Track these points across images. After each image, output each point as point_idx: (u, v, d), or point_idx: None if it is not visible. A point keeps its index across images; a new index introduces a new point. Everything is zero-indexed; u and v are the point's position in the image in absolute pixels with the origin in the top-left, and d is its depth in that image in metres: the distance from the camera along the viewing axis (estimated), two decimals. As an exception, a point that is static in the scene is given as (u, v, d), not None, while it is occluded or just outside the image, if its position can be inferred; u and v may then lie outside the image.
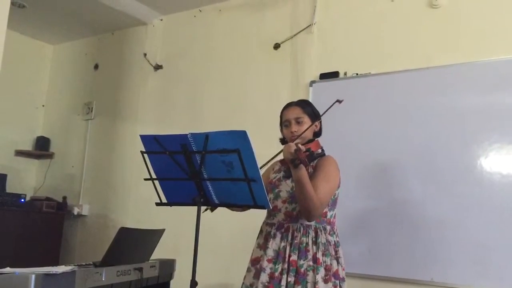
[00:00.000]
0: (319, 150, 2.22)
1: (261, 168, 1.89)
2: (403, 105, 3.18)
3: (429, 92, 3.11)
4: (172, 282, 3.11)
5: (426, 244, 2.94)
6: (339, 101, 2.17)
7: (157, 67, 4.58)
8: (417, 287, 2.94)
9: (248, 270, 2.24)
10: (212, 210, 2.19)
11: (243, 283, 2.25)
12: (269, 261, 2.13)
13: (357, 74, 3.41)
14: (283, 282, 2.05)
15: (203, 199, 1.93)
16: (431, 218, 2.95)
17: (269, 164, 2.23)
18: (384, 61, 3.33)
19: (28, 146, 5.22)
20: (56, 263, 4.28)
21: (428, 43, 3.19)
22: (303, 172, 1.99)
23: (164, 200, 2.06)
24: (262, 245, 2.21)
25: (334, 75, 3.50)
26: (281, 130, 2.35)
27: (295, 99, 2.41)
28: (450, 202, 2.92)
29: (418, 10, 3.28)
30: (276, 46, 3.86)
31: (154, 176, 2.01)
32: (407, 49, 3.26)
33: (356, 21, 3.53)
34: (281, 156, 2.16)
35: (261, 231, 2.28)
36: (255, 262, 2.21)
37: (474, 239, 2.81)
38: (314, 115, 2.28)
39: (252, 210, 2.19)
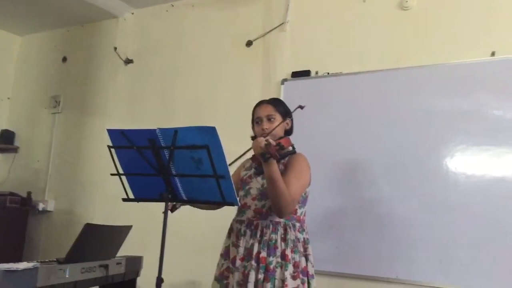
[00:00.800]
0: (290, 148, 2.23)
1: (230, 164, 1.88)
2: (373, 105, 3.22)
3: (398, 93, 3.16)
4: (138, 280, 3.07)
5: (392, 242, 2.99)
6: (301, 107, 2.17)
7: (128, 62, 4.51)
8: (382, 285, 2.99)
9: (221, 265, 2.23)
10: (172, 211, 2.16)
11: (216, 279, 2.25)
12: (241, 259, 2.13)
13: (328, 73, 3.43)
14: (251, 279, 2.05)
15: (171, 195, 1.90)
16: (398, 217, 3.00)
17: (239, 161, 2.22)
18: (355, 61, 3.36)
19: (-8, 139, 5.07)
20: (19, 259, 4.17)
21: (398, 44, 3.24)
22: (274, 167, 1.99)
23: (131, 196, 2.02)
24: (235, 244, 2.20)
25: (305, 73, 3.52)
26: (253, 128, 2.35)
27: (267, 97, 2.42)
28: (416, 202, 2.97)
29: (389, 12, 3.32)
30: (249, 43, 3.85)
31: (121, 171, 1.97)
32: (377, 50, 3.31)
33: (329, 20, 3.56)
34: (251, 153, 2.15)
35: (231, 228, 2.27)
36: (233, 261, 2.18)
37: (438, 237, 2.87)
38: (286, 113, 2.29)
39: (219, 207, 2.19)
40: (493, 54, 2.93)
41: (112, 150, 1.95)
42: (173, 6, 4.36)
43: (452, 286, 2.79)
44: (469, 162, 2.89)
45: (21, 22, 5.02)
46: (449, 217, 2.86)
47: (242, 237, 2.16)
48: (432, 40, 3.14)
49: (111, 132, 1.91)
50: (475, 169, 2.87)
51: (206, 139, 1.74)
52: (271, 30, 3.76)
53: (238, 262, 2.13)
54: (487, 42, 2.95)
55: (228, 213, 2.30)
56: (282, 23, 3.71)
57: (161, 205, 1.94)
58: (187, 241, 3.61)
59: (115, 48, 4.56)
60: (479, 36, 3.00)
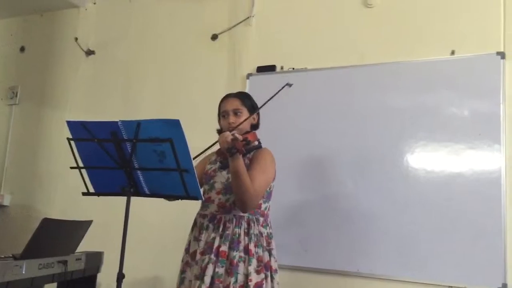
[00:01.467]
0: (256, 142, 2.23)
1: (194, 158, 1.86)
2: (337, 100, 3.25)
3: (362, 89, 3.20)
4: (99, 276, 3.01)
5: (354, 237, 3.03)
6: (289, 85, 2.18)
7: (89, 53, 4.39)
8: (344, 278, 3.03)
9: (187, 263, 2.21)
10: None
11: (179, 275, 2.22)
12: (201, 253, 2.11)
13: (293, 68, 3.44)
14: (208, 272, 2.03)
15: (133, 189, 1.86)
16: (359, 211, 3.05)
17: (204, 155, 2.20)
18: (320, 57, 3.38)
19: None
20: (-28, 256, 4.02)
21: (362, 41, 3.28)
22: (240, 162, 1.98)
23: (92, 190, 1.97)
24: (197, 238, 2.18)
25: (271, 68, 3.52)
26: (219, 121, 2.33)
27: (232, 91, 2.40)
28: (378, 196, 3.02)
29: (354, 9, 3.36)
30: (214, 37, 3.82)
31: (81, 164, 1.92)
32: (342, 46, 3.34)
33: (295, 16, 3.57)
34: (216, 147, 2.14)
35: (195, 222, 2.25)
36: (192, 255, 2.17)
37: (399, 232, 2.93)
38: (253, 108, 2.28)
39: (183, 202, 2.16)
40: (452, 52, 3.01)
41: (72, 143, 1.89)
42: (137, -4, 4.27)
43: (411, 278, 2.86)
44: (428, 158, 2.96)
45: (-24, 9, 4.81)
46: (409, 211, 2.93)
47: (204, 231, 2.15)
48: (395, 38, 3.20)
49: (71, 124, 1.86)
50: (435, 165, 2.94)
51: (170, 132, 1.71)
52: (236, 24, 3.74)
53: (198, 256, 2.11)
54: (447, 41, 3.03)
55: (192, 207, 2.28)
56: (248, 17, 3.70)
57: (122, 200, 1.90)
58: (149, 236, 3.56)
59: (76, 39, 4.43)
60: (440, 35, 3.07)
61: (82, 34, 4.46)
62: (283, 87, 2.20)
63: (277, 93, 2.20)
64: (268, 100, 2.20)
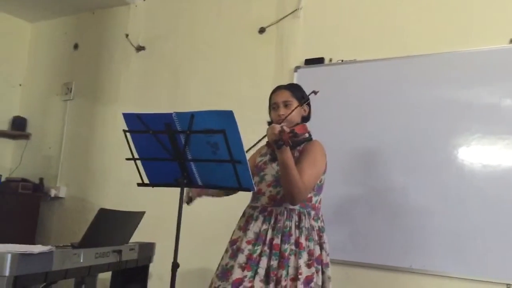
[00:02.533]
0: (306, 134, 2.20)
1: (247, 151, 1.86)
2: (388, 92, 3.18)
3: (413, 81, 3.12)
4: (151, 266, 3.08)
5: (406, 232, 2.96)
6: (315, 92, 2.14)
7: (139, 48, 4.49)
8: (396, 274, 2.97)
9: (226, 250, 2.21)
10: (188, 204, 2.15)
11: (219, 263, 2.22)
12: (248, 242, 2.10)
13: (342, 60, 3.39)
14: (262, 265, 2.02)
15: (186, 180, 1.89)
16: (412, 206, 2.97)
17: (256, 148, 2.20)
18: (369, 48, 3.31)
19: (4, 126, 5.08)
20: (32, 244, 4.20)
21: (413, 31, 3.19)
22: (288, 154, 1.96)
23: (146, 181, 2.01)
24: (243, 227, 2.18)
25: (319, 61, 3.48)
26: (269, 113, 2.32)
27: (280, 84, 2.37)
28: (431, 191, 2.94)
29: (404, -2, 3.27)
30: (261, 30, 3.81)
31: (136, 156, 1.96)
32: (392, 37, 3.26)
33: (343, 7, 3.51)
34: (266, 140, 2.13)
35: (243, 213, 2.25)
36: (233, 243, 2.18)
37: (453, 227, 2.84)
38: (303, 100, 2.25)
39: (235, 194, 2.17)
40: (511, 41, 2.88)
41: (127, 134, 1.93)
42: (185, -8, 4.32)
43: (467, 275, 2.77)
44: (485, 151, 2.85)
45: (31, 8, 4.99)
46: (464, 206, 2.83)
47: (253, 222, 2.14)
48: (447, 27, 3.09)
49: (127, 116, 1.89)
50: (491, 158, 2.83)
51: (223, 124, 1.72)
52: (284, 17, 3.71)
53: (244, 244, 2.09)
54: (505, 28, 2.90)
55: (243, 200, 2.28)
56: (296, 9, 3.67)
57: (173, 192, 1.93)
58: (200, 228, 3.60)
59: (127, 35, 4.54)
60: (497, 23, 2.94)
61: (133, 31, 4.56)
62: (309, 94, 2.17)
63: (307, 97, 2.21)
64: (296, 107, 2.18)
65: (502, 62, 2.88)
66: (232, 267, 2.08)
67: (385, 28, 3.30)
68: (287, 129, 1.92)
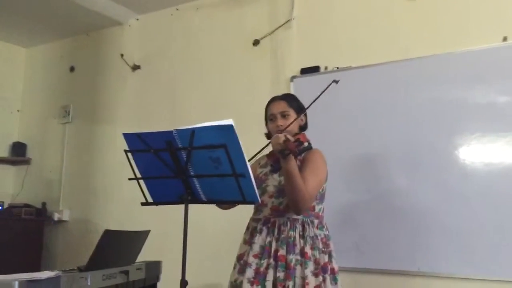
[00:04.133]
0: (306, 143, 2.20)
1: (248, 161, 1.85)
2: (385, 97, 3.19)
3: (410, 83, 3.13)
4: (159, 284, 3.06)
5: (412, 235, 2.96)
6: (335, 81, 2.15)
7: (135, 68, 4.51)
8: (404, 278, 2.96)
9: (234, 266, 2.21)
10: None
11: (229, 280, 2.22)
12: (255, 256, 2.11)
13: (337, 68, 3.41)
14: (269, 277, 2.03)
15: (190, 197, 1.88)
16: (416, 209, 2.97)
17: (255, 159, 2.20)
18: (364, 54, 3.33)
19: (4, 152, 5.09)
20: (37, 270, 4.17)
21: (407, 35, 3.21)
22: (293, 163, 1.96)
23: (150, 200, 2.01)
24: (248, 241, 2.19)
25: (315, 69, 3.50)
26: (266, 125, 2.32)
27: (277, 95, 2.38)
28: (435, 192, 2.94)
29: (396, 2, 3.29)
30: (256, 43, 3.84)
31: (138, 175, 1.96)
32: (386, 41, 3.28)
33: (335, 14, 3.54)
34: (267, 150, 2.13)
35: (247, 227, 2.25)
36: (240, 258, 2.19)
37: (458, 227, 2.84)
38: (300, 109, 2.26)
39: (239, 208, 2.16)
40: (505, 39, 2.90)
41: (129, 154, 1.93)
42: (177, 9, 4.35)
43: (475, 275, 2.76)
44: (486, 150, 2.86)
45: (25, 34, 5.03)
46: (469, 205, 2.83)
47: (257, 235, 2.14)
48: (441, 28, 3.11)
49: (127, 136, 1.89)
50: (493, 156, 2.83)
51: (223, 138, 1.72)
52: (277, 28, 3.74)
53: (251, 259, 2.10)
54: (498, 27, 2.92)
55: (248, 212, 2.28)
56: (288, 20, 3.69)
57: (176, 209, 1.92)
58: (205, 243, 3.59)
59: (122, 55, 4.56)
60: (490, 21, 2.96)
61: (127, 50, 4.58)
62: (330, 84, 2.16)
63: (324, 90, 2.15)
64: (316, 98, 2.15)
65: (497, 60, 2.90)
66: (241, 282, 2.08)
67: (378, 33, 3.32)
68: (292, 138, 1.93)
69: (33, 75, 5.36)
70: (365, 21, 3.39)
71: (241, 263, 2.15)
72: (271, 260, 2.06)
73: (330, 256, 2.13)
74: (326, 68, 3.47)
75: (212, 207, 2.16)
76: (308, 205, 2.08)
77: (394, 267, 2.99)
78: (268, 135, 2.31)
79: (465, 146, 2.91)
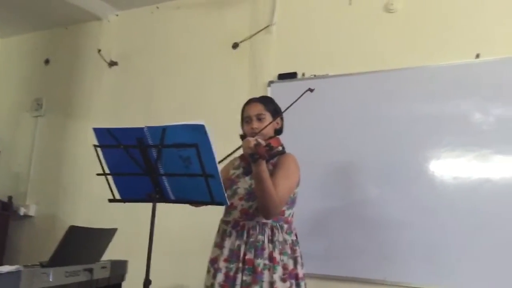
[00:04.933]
0: (280, 148, 2.20)
1: (219, 163, 1.85)
2: (360, 106, 3.22)
3: (385, 95, 3.17)
4: (123, 284, 3.01)
5: (380, 244, 2.98)
6: (310, 90, 2.15)
7: (112, 64, 4.45)
8: (371, 286, 2.98)
9: (208, 270, 2.19)
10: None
11: (204, 284, 2.20)
12: (225, 260, 2.10)
13: (315, 75, 3.43)
14: (238, 281, 2.02)
15: (158, 195, 1.86)
16: (386, 219, 3.00)
17: (228, 160, 2.19)
18: (341, 63, 3.37)
19: (-28, 143, 4.96)
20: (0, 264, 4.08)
21: (384, 46, 3.26)
22: (263, 167, 1.95)
23: (118, 196, 1.98)
24: (219, 244, 2.17)
25: (292, 75, 3.52)
26: (242, 126, 2.32)
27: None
28: (404, 204, 2.97)
29: (375, 14, 3.34)
30: (235, 46, 3.84)
31: (107, 171, 1.93)
32: (364, 52, 3.32)
33: (315, 22, 3.57)
34: (240, 152, 2.13)
35: (218, 229, 2.24)
36: (213, 262, 2.17)
37: (426, 239, 2.87)
38: (276, 112, 2.26)
39: (207, 208, 2.15)
40: (477, 56, 2.97)
41: (98, 149, 1.90)
42: (158, 8, 4.33)
43: (440, 286, 2.80)
44: (455, 164, 2.91)
45: (1, 24, 4.92)
46: (437, 217, 2.87)
47: (227, 238, 2.13)
48: (417, 42, 3.16)
49: (97, 131, 1.86)
50: (461, 170, 2.89)
51: (195, 137, 1.70)
52: (257, 32, 3.75)
53: (221, 263, 2.09)
54: (472, 44, 2.99)
55: (216, 214, 2.27)
56: (268, 25, 3.71)
57: (145, 208, 1.90)
58: (173, 244, 3.55)
59: (99, 50, 4.50)
60: (464, 38, 3.03)
61: (105, 46, 4.52)
62: (304, 92, 2.17)
63: (298, 98, 2.17)
64: (290, 105, 2.17)
65: (470, 76, 2.96)
66: (213, 286, 2.07)
67: (356, 43, 3.36)
68: (263, 143, 1.92)
69: (6, 66, 5.24)
70: (344, 30, 3.43)
71: (215, 267, 2.13)
72: (240, 264, 2.05)
73: (296, 261, 2.12)
74: (303, 74, 3.49)
75: (181, 207, 2.15)
76: (278, 210, 2.08)
77: (361, 275, 3.00)
78: (243, 137, 2.30)
79: (435, 159, 2.96)
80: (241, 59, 3.80)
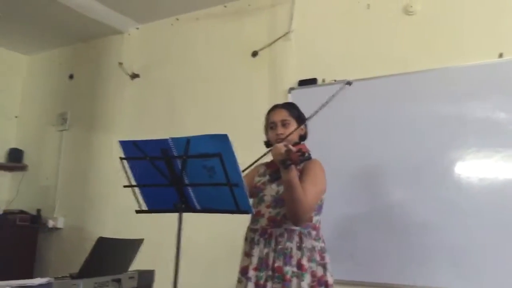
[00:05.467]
0: (306, 154, 2.19)
1: (243, 171, 1.86)
2: (382, 110, 3.20)
3: (407, 98, 3.15)
4: (151, 294, 3.04)
5: (407, 248, 2.95)
6: (349, 83, 2.13)
7: (134, 76, 4.52)
8: (399, 292, 2.95)
9: (239, 280, 2.17)
10: None
11: None
12: (254, 269, 2.09)
13: (335, 80, 3.42)
14: None
15: (184, 205, 1.88)
16: (412, 222, 2.96)
17: (253, 166, 2.19)
18: (361, 68, 3.35)
19: (0, 158, 5.08)
20: (30, 278, 4.14)
21: (404, 49, 3.23)
22: (293, 173, 1.94)
23: (144, 207, 2.00)
24: (248, 253, 2.16)
25: (312, 81, 3.52)
26: (266, 133, 2.31)
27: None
28: (430, 207, 2.93)
29: (394, 17, 3.32)
30: (254, 54, 3.86)
31: (133, 183, 1.95)
32: (384, 55, 3.30)
33: (333, 28, 3.56)
34: (264, 159, 2.12)
35: (245, 238, 2.23)
36: (243, 271, 2.15)
37: (453, 241, 2.83)
38: (300, 118, 2.25)
39: (233, 217, 2.15)
40: (501, 55, 2.92)
41: (124, 162, 1.93)
42: (178, 20, 4.38)
43: (470, 290, 2.75)
44: (481, 165, 2.86)
45: (27, 41, 5.06)
46: (464, 220, 2.83)
47: (255, 246, 2.12)
48: (438, 44, 3.13)
49: (123, 144, 1.90)
50: (488, 171, 2.84)
51: (218, 147, 1.72)
52: (276, 40, 3.76)
53: (251, 272, 2.08)
54: (494, 43, 2.94)
55: (242, 223, 2.27)
56: (287, 32, 3.72)
57: (171, 218, 1.92)
58: (200, 253, 3.57)
59: (121, 63, 4.57)
60: (486, 38, 2.99)
61: (127, 59, 4.60)
62: (343, 86, 2.14)
63: (336, 93, 2.14)
64: (325, 103, 2.16)
65: (493, 76, 2.92)
66: None
67: (376, 46, 3.35)
68: (293, 148, 1.91)
69: (32, 82, 5.37)
70: (364, 34, 3.42)
71: (246, 277, 2.11)
72: (270, 272, 2.04)
73: (325, 268, 2.11)
74: (323, 80, 3.49)
75: (207, 216, 2.16)
76: (308, 216, 2.06)
77: (390, 281, 2.97)
78: (268, 143, 2.30)
79: (461, 161, 2.91)
80: (261, 67, 3.82)
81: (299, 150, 1.92)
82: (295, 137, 2.21)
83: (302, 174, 2.13)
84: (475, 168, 2.88)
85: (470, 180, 2.87)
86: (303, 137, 2.30)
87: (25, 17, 4.46)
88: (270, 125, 2.26)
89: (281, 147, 1.93)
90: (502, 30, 2.95)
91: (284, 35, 3.73)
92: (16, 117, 5.31)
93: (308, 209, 2.01)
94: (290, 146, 1.92)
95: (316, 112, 2.18)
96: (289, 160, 1.87)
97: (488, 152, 2.85)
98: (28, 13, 4.36)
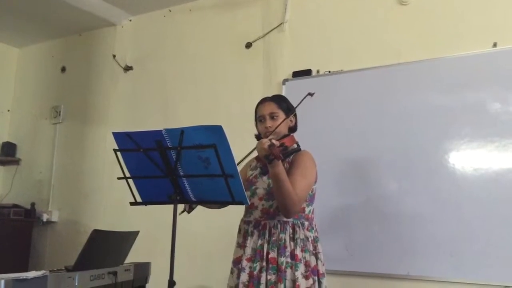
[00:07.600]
0: (295, 145, 2.19)
1: (238, 164, 1.85)
2: (376, 101, 3.20)
3: (401, 88, 3.15)
4: (147, 286, 3.04)
5: (401, 239, 2.96)
6: (310, 94, 2.13)
7: (127, 68, 4.50)
8: (393, 282, 2.96)
9: (231, 271, 2.20)
10: (189, 212, 2.14)
11: (227, 284, 2.21)
12: (248, 260, 2.10)
13: (329, 71, 3.42)
14: (263, 280, 2.02)
15: (179, 197, 1.88)
16: (406, 213, 2.97)
17: (245, 161, 2.19)
18: (356, 58, 3.35)
19: (-7, 152, 5.05)
20: (25, 271, 4.13)
21: (398, 39, 3.23)
22: (280, 168, 1.95)
23: (139, 199, 2.00)
24: (241, 244, 2.18)
25: (306, 73, 3.51)
26: (256, 126, 2.31)
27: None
28: (424, 197, 2.95)
29: (388, 7, 3.31)
30: (248, 45, 3.84)
31: (127, 174, 1.95)
32: (378, 46, 3.30)
33: (327, 18, 3.55)
34: (256, 153, 2.13)
35: (239, 229, 2.24)
36: (236, 262, 2.17)
37: (448, 232, 2.84)
38: (289, 111, 2.25)
39: (228, 209, 2.16)
40: (495, 45, 2.93)
41: (118, 153, 1.92)
42: (170, 11, 4.35)
43: (463, 280, 2.77)
44: (475, 155, 2.87)
45: (18, 34, 5.01)
46: (458, 210, 2.84)
47: (249, 238, 2.14)
48: (432, 34, 3.13)
49: (117, 135, 1.89)
50: (482, 161, 2.85)
51: (213, 138, 1.72)
52: (270, 31, 3.75)
53: (244, 263, 2.10)
54: (488, 33, 2.94)
55: (236, 215, 2.28)
56: (281, 23, 3.71)
57: (166, 211, 1.92)
58: (195, 245, 3.58)
59: (114, 56, 4.55)
60: (480, 27, 2.98)
61: (120, 51, 4.57)
62: (305, 97, 2.14)
63: (299, 103, 2.15)
64: (294, 108, 2.20)
65: (487, 65, 2.92)
66: (238, 286, 2.08)
67: (370, 37, 3.34)
68: (276, 143, 1.92)
69: (24, 75, 5.33)
70: (358, 25, 3.41)
71: (238, 267, 2.14)
72: (264, 263, 2.05)
73: (317, 258, 2.12)
74: (318, 71, 3.48)
75: (202, 208, 2.17)
76: (297, 208, 2.08)
77: (383, 271, 2.98)
78: (258, 136, 2.30)
79: (455, 151, 2.92)
80: (255, 59, 3.81)
81: (281, 145, 1.92)
82: (284, 130, 2.22)
83: (291, 166, 2.14)
84: (469, 158, 2.88)
85: (464, 170, 2.89)
86: (292, 129, 2.30)
87: (16, 9, 4.41)
88: (259, 118, 2.26)
89: (264, 142, 1.93)
90: (496, 19, 2.95)
91: (278, 26, 3.72)
92: (8, 110, 5.27)
93: (297, 201, 2.02)
94: (274, 141, 1.92)
95: (292, 114, 2.23)
96: (272, 155, 1.87)
97: (482, 142, 2.86)
98: (19, 5, 4.31)
